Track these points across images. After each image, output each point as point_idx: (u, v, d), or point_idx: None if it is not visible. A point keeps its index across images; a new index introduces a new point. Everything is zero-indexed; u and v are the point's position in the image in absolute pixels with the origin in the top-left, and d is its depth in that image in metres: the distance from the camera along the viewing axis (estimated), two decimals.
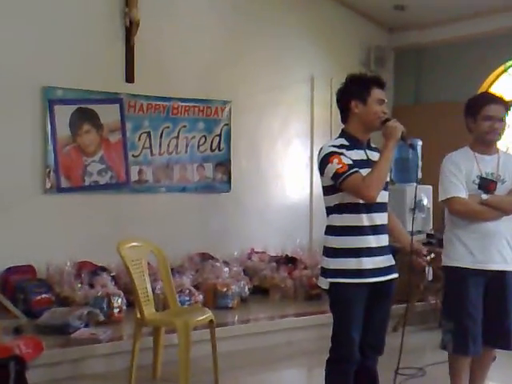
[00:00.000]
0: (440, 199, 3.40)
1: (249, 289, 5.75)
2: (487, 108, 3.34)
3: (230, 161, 6.52)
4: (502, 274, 3.36)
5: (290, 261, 6.31)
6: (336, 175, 2.89)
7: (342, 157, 2.90)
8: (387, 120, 2.97)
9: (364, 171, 2.90)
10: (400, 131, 2.93)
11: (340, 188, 2.92)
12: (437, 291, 5.53)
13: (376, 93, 2.98)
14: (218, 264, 5.83)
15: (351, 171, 2.87)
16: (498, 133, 3.37)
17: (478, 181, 3.35)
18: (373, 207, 2.94)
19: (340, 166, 2.88)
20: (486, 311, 3.36)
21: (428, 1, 6.73)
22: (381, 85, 3.02)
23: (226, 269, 5.77)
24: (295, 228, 6.80)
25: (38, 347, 4.08)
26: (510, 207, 3.34)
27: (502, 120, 3.36)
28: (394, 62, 7.62)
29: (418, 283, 5.56)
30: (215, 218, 6.41)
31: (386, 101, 3.03)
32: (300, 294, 5.90)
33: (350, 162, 2.90)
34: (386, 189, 3.01)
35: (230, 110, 6.48)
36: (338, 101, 3.07)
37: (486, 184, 3.34)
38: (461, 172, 3.34)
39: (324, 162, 2.93)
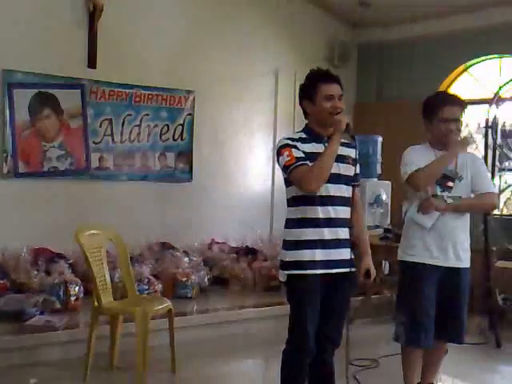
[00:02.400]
0: (403, 180, 3.40)
1: (208, 279, 5.77)
2: (443, 110, 3.38)
3: (192, 151, 6.51)
4: (456, 270, 3.44)
5: (250, 252, 6.35)
6: (284, 167, 2.94)
7: (293, 149, 2.92)
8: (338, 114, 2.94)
9: None
10: (344, 123, 2.92)
11: (289, 180, 2.96)
12: (393, 285, 5.63)
13: (323, 89, 2.95)
14: (177, 254, 5.82)
15: (297, 163, 2.89)
16: (453, 133, 3.43)
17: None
18: (328, 200, 2.96)
19: (288, 158, 2.90)
20: (440, 306, 3.44)
21: None
22: (328, 79, 2.98)
23: (186, 258, 5.77)
24: (256, 219, 6.82)
25: None
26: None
27: (457, 120, 3.42)
28: (357, 58, 7.70)
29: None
30: (176, 208, 6.39)
31: (339, 94, 2.96)
32: (259, 285, 5.95)
33: (301, 155, 2.91)
34: (347, 183, 3.02)
35: (193, 99, 6.45)
36: (299, 99, 3.09)
37: (445, 181, 3.41)
38: (421, 161, 3.36)
39: (278, 154, 2.98)
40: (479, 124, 6.83)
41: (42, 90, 5.59)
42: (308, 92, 3.00)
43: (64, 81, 5.69)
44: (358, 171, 3.11)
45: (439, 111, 3.39)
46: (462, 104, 3.46)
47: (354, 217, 3.07)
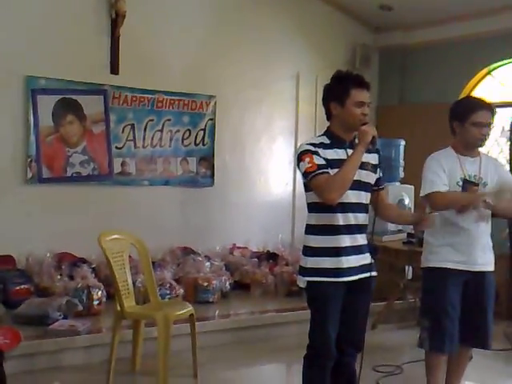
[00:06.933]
0: (420, 195, 3.42)
1: (230, 284, 5.75)
2: (477, 114, 3.34)
3: (214, 155, 6.52)
4: (481, 274, 3.41)
5: (271, 257, 6.32)
6: (305, 174, 2.92)
7: (314, 156, 2.89)
8: (365, 124, 2.93)
9: None
10: (370, 136, 2.90)
11: (309, 187, 2.95)
12: (416, 290, 5.57)
13: (355, 95, 2.92)
14: (199, 258, 5.83)
15: (318, 171, 2.87)
16: (485, 138, 3.40)
17: (461, 183, 3.37)
18: (348, 207, 2.94)
19: (310, 165, 2.88)
20: (465, 310, 3.40)
21: (414, 2, 6.77)
22: (362, 85, 2.95)
23: (208, 263, 5.77)
24: (277, 224, 6.81)
25: (16, 338, 4.06)
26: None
27: (489, 125, 3.39)
28: (378, 61, 7.67)
29: (397, 282, 5.60)
30: (198, 213, 6.40)
31: (369, 101, 2.97)
32: (281, 290, 5.92)
33: (322, 162, 2.89)
34: (366, 190, 3.02)
35: (215, 104, 6.47)
36: (323, 100, 3.06)
37: (469, 186, 3.37)
38: (443, 171, 3.36)
39: (298, 160, 2.96)
40: (503, 127, 6.75)
41: (65, 95, 5.64)
42: (337, 94, 2.95)
43: (87, 87, 5.74)
44: (380, 175, 3.11)
45: (473, 115, 3.34)
46: (492, 110, 3.43)
47: (394, 212, 3.22)
